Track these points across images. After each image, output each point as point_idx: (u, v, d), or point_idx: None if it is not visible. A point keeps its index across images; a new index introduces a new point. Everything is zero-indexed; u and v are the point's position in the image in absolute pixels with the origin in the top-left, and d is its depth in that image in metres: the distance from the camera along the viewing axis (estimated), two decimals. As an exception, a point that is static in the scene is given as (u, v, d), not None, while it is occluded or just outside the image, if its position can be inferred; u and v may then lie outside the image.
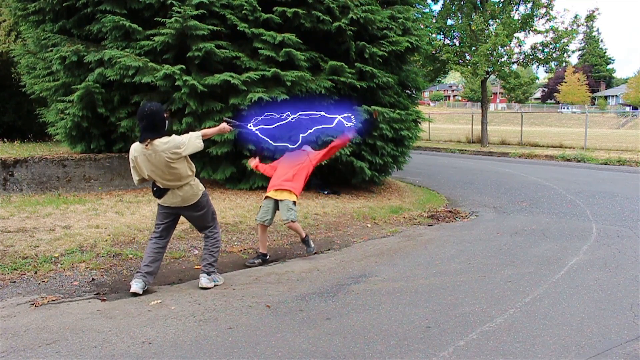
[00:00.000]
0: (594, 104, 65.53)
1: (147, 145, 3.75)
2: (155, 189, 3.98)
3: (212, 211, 4.24)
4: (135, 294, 3.87)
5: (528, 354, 3.04)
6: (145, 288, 3.97)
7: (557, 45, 19.42)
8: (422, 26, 11.00)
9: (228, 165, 8.14)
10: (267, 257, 5.04)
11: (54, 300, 3.76)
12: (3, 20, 13.98)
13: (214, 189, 8.33)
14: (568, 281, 4.47)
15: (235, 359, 2.93)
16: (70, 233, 5.27)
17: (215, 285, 4.16)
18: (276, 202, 5.01)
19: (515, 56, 20.33)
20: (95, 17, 7.86)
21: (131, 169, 3.93)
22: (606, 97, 68.22)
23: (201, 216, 4.14)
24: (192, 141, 3.88)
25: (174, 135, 3.89)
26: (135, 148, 3.83)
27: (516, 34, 19.55)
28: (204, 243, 4.29)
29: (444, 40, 21.22)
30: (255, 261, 4.92)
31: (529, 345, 3.16)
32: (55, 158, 7.76)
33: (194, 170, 4.04)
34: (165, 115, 3.86)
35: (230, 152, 7.95)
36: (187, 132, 8.04)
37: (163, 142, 3.77)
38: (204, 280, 4.11)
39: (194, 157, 4.09)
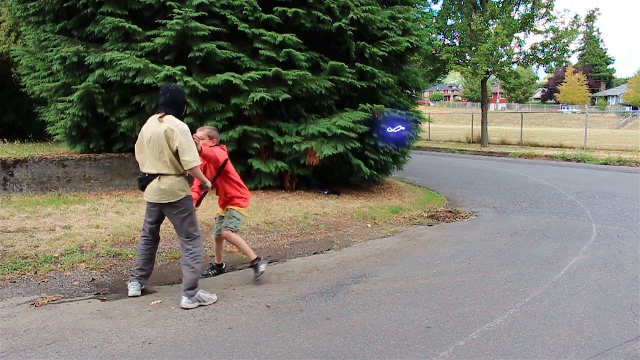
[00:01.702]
0: (594, 104, 65.52)
1: (161, 117, 3.71)
2: (140, 177, 3.84)
3: (193, 222, 3.85)
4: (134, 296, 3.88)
5: (528, 354, 3.04)
6: (142, 288, 3.96)
7: (557, 45, 19.43)
8: (422, 26, 11.00)
9: (234, 165, 8.13)
10: (223, 266, 4.68)
11: (54, 300, 3.76)
12: (3, 20, 13.99)
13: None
14: (568, 281, 4.47)
15: (235, 359, 2.93)
16: (70, 233, 5.27)
17: (199, 305, 3.74)
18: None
19: (515, 56, 20.33)
20: (96, 18, 7.86)
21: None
22: (606, 97, 68.20)
23: (179, 220, 3.82)
24: (193, 151, 3.67)
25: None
26: (149, 120, 3.82)
27: (516, 34, 19.55)
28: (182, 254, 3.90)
29: (444, 40, 21.22)
30: (210, 272, 4.56)
31: (529, 345, 3.16)
32: (55, 158, 7.76)
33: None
34: (186, 101, 3.94)
35: (234, 152, 7.94)
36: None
37: (174, 120, 3.71)
38: (183, 301, 3.72)
39: None
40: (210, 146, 4.29)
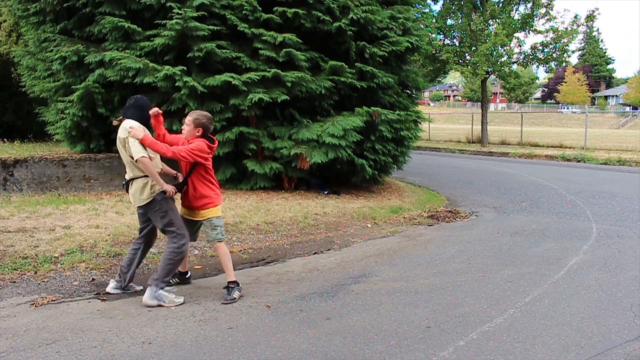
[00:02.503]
0: (594, 104, 65.52)
1: (119, 119, 3.85)
2: (124, 183, 3.95)
3: (171, 221, 3.82)
4: (109, 293, 3.95)
5: (528, 354, 3.04)
6: (120, 287, 3.99)
7: (557, 45, 19.43)
8: (422, 26, 11.00)
9: (229, 166, 8.15)
10: (188, 275, 4.31)
11: (54, 300, 3.76)
12: (4, 20, 13.98)
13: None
14: (568, 281, 4.47)
15: (235, 359, 2.93)
16: (70, 233, 5.27)
17: (158, 305, 3.68)
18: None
19: (515, 56, 20.33)
20: (96, 18, 7.87)
21: None
22: (606, 97, 68.20)
23: (157, 219, 3.85)
24: (136, 145, 3.65)
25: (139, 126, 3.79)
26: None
27: (516, 34, 19.55)
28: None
29: (444, 40, 21.23)
30: (172, 280, 4.17)
31: (529, 345, 3.16)
32: (55, 158, 7.76)
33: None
34: (149, 109, 3.87)
35: (231, 152, 7.96)
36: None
37: (126, 122, 3.77)
38: (145, 296, 3.73)
39: None
40: (196, 136, 3.85)
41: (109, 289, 3.98)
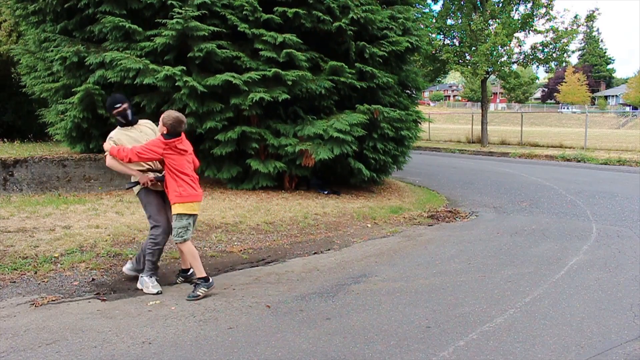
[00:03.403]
0: (594, 104, 65.52)
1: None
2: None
3: (149, 212, 4.15)
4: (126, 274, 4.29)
5: (528, 354, 3.04)
6: (133, 269, 4.25)
7: (557, 45, 19.42)
8: (422, 26, 10.99)
9: (232, 165, 8.16)
10: (189, 272, 4.34)
11: (54, 300, 3.76)
12: (4, 20, 13.98)
13: (215, 188, 8.33)
14: (568, 281, 4.47)
15: (235, 359, 2.93)
16: (70, 233, 5.27)
17: (141, 290, 4.00)
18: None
19: (515, 56, 20.33)
20: (96, 18, 7.86)
21: None
22: (606, 97, 68.21)
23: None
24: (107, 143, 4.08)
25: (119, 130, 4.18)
26: None
27: (516, 34, 19.55)
28: None
29: (444, 40, 21.23)
30: (177, 280, 4.35)
31: (529, 345, 3.17)
32: (55, 158, 7.76)
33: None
34: (115, 109, 4.10)
35: (233, 152, 7.96)
36: (187, 133, 8.21)
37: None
38: (139, 283, 4.13)
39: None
40: (162, 133, 3.97)
41: (124, 269, 4.33)
